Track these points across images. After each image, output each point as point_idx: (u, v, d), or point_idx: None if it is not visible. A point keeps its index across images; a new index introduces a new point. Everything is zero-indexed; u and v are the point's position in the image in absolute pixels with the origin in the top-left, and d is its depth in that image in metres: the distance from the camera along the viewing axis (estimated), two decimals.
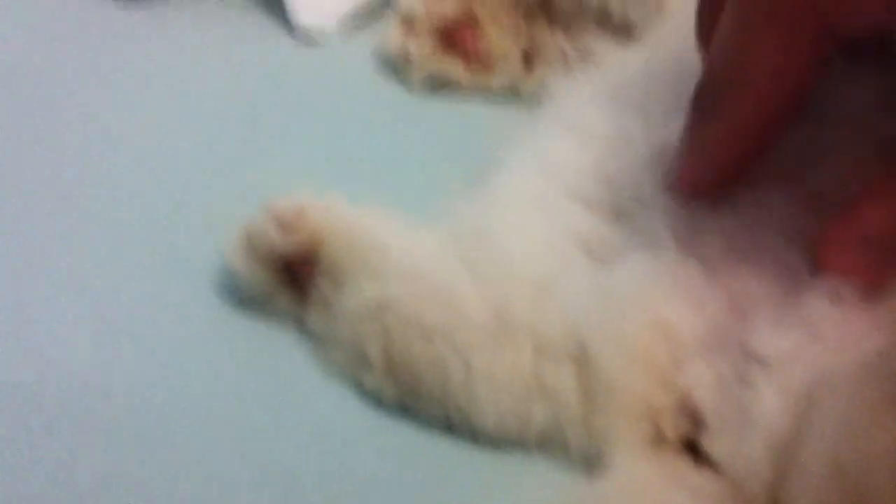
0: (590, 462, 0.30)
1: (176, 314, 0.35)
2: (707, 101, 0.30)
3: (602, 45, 0.46)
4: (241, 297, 0.35)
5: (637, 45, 0.42)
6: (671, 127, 0.34)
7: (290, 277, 0.33)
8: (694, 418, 0.30)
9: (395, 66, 0.47)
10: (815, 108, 0.31)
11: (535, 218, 0.34)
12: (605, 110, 0.37)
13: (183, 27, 0.50)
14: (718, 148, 0.30)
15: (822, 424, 0.26)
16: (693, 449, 0.30)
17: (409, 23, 0.46)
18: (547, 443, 0.31)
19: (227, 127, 0.44)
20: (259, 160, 0.42)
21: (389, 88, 0.47)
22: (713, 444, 0.29)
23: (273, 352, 0.34)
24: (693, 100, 0.31)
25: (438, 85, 0.47)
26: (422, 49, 0.46)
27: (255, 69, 0.48)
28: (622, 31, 0.45)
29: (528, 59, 0.47)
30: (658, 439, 0.30)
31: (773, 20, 0.27)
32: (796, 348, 0.29)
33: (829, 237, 0.29)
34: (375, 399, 0.32)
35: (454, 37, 0.46)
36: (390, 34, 0.47)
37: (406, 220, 0.34)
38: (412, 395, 0.31)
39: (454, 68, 0.46)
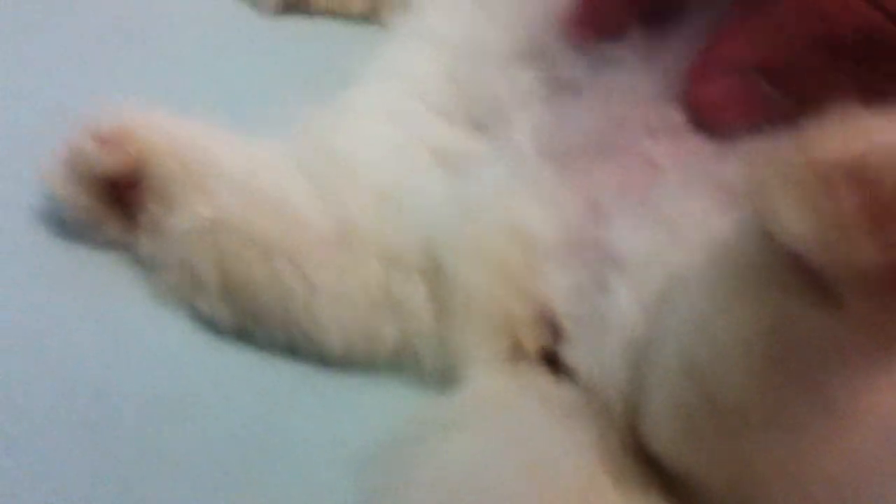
0: (444, 381, 0.28)
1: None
2: None
3: None
4: (66, 222, 0.31)
5: None
6: (529, 33, 0.33)
7: (116, 200, 0.30)
8: (553, 328, 0.28)
9: None
10: None
11: (386, 128, 0.32)
12: (461, 17, 0.35)
13: None
14: None
15: (674, 322, 0.25)
16: (552, 361, 0.28)
17: None
18: (398, 362, 0.29)
19: (66, 42, 0.41)
20: (100, 81, 0.39)
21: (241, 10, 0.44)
22: (571, 353, 0.28)
23: (99, 279, 0.31)
24: None
25: (291, 6, 0.44)
26: None
27: None
28: None
29: None
30: (516, 352, 0.28)
31: None
32: (653, 248, 0.27)
33: (695, 70, 0.29)
34: (211, 324, 0.29)
35: None
36: None
37: (244, 135, 0.32)
38: (251, 318, 0.29)
39: None
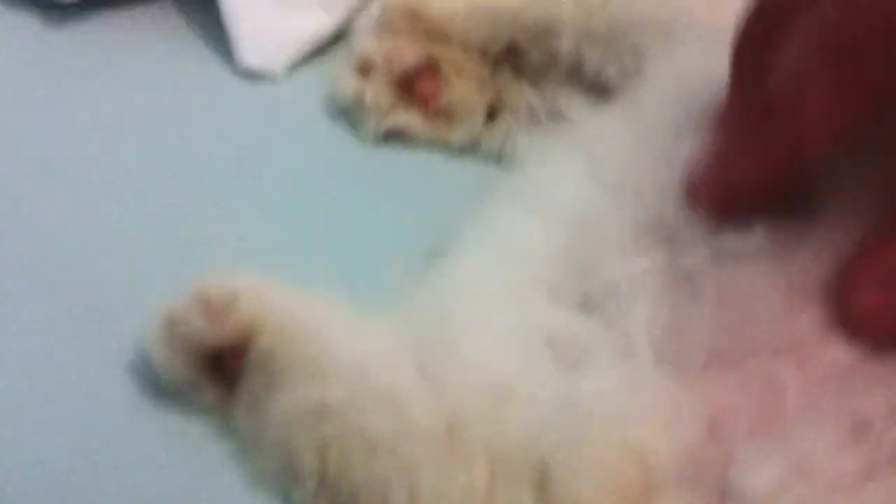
0: None
1: (88, 395, 0.31)
2: (756, 118, 0.28)
3: (574, 104, 0.43)
4: (161, 384, 0.31)
5: (612, 108, 0.39)
6: (648, 207, 0.32)
7: (217, 370, 0.30)
8: None
9: (349, 114, 0.43)
10: None
11: (496, 310, 0.31)
12: (576, 185, 0.33)
13: (126, 64, 0.46)
14: (754, 165, 0.28)
15: None
16: None
17: (365, 68, 0.42)
18: None
19: (165, 179, 0.40)
20: (199, 216, 0.39)
21: (339, 135, 0.43)
22: None
23: (191, 448, 0.30)
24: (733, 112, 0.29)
25: (393, 135, 0.43)
26: (379, 98, 0.42)
27: (199, 113, 0.44)
28: (596, 89, 0.42)
29: (493, 112, 0.43)
30: None
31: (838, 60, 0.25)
32: (780, 484, 0.26)
33: (851, 276, 0.27)
34: None
35: (413, 85, 0.42)
36: (344, 79, 0.43)
37: (353, 306, 0.31)
38: None
39: (412, 119, 0.43)
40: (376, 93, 0.42)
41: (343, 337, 0.29)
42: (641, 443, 0.27)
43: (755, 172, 0.29)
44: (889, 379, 0.26)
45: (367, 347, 0.29)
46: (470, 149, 0.43)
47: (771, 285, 0.29)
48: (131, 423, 0.31)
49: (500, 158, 0.43)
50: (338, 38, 0.47)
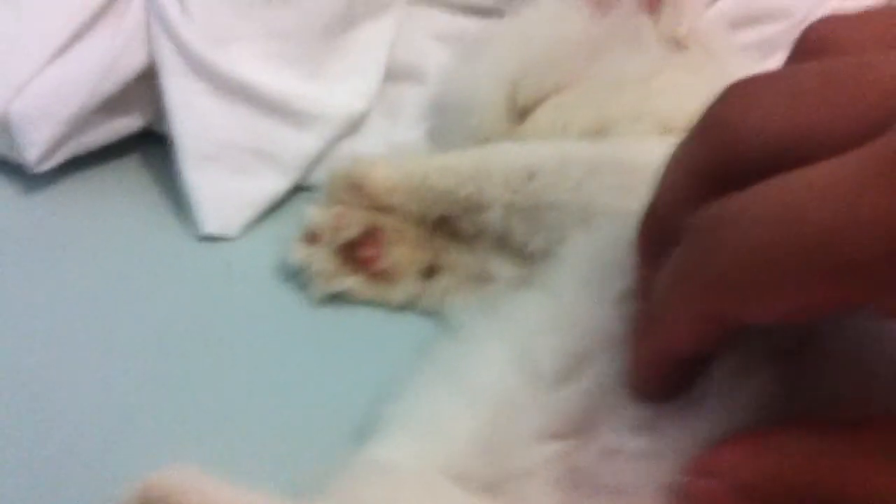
0: None
1: None
2: (642, 324, 0.32)
3: (504, 268, 0.47)
4: None
5: (534, 287, 0.43)
6: (562, 395, 0.35)
7: None
8: None
9: (298, 277, 0.47)
10: None
11: (410, 499, 0.34)
12: (497, 368, 0.37)
13: (77, 229, 0.50)
14: (637, 371, 0.32)
15: None
16: None
17: (311, 237, 0.46)
18: None
19: (112, 345, 0.44)
20: (145, 384, 0.42)
21: (289, 296, 0.47)
22: None
23: None
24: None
25: (339, 295, 0.47)
26: (324, 265, 0.46)
27: (153, 276, 0.47)
28: (525, 255, 0.46)
29: (431, 272, 0.48)
30: None
31: (693, 301, 0.28)
32: None
33: (691, 463, 0.30)
34: None
35: (356, 251, 0.47)
36: (293, 246, 0.47)
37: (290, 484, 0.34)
38: None
39: (356, 282, 0.47)
40: (322, 260, 0.46)
41: None
42: None
43: (647, 368, 0.33)
44: None
45: None
46: (410, 306, 0.48)
47: (653, 483, 0.33)
48: None
49: (438, 314, 0.47)
50: (291, 195, 0.52)
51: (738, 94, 0.28)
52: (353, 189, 0.47)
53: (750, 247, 0.25)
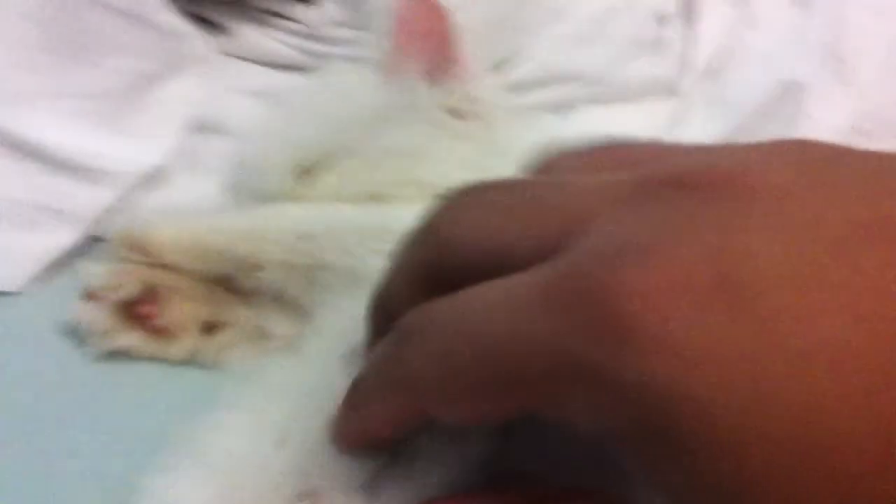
0: None
1: None
2: (347, 397, 0.33)
3: (279, 323, 0.49)
4: None
5: (286, 359, 0.44)
6: (301, 463, 0.38)
7: None
8: None
9: (75, 331, 0.48)
10: None
11: None
12: (233, 434, 0.39)
13: None
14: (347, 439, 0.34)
15: None
16: None
17: (91, 294, 0.48)
18: None
19: None
20: None
21: (68, 353, 0.48)
22: None
23: None
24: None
25: (120, 352, 0.49)
26: (100, 323, 0.47)
27: None
28: (299, 313, 0.49)
29: (210, 328, 0.50)
30: None
31: (388, 395, 0.30)
32: None
33: None
34: None
35: (135, 310, 0.48)
36: (70, 304, 0.48)
37: None
38: None
39: (133, 339, 0.48)
40: (100, 317, 0.48)
41: None
42: None
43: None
44: None
45: None
46: (189, 361, 0.49)
47: None
48: None
49: (217, 367, 0.49)
50: (89, 248, 0.53)
51: (452, 203, 0.30)
52: (135, 248, 0.49)
53: (433, 354, 0.28)
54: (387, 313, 0.33)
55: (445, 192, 0.31)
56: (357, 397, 0.33)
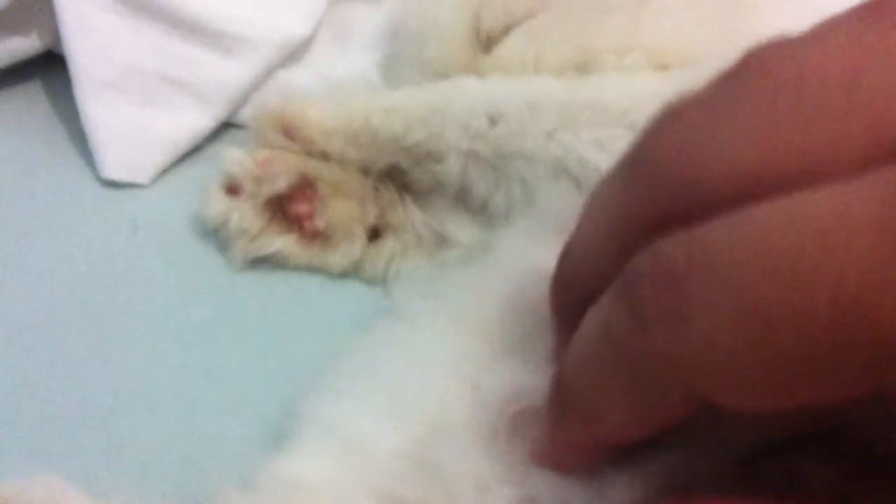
0: None
1: None
2: (556, 403, 0.25)
3: (461, 229, 0.40)
4: None
5: (481, 270, 0.36)
6: (496, 412, 0.29)
7: None
8: None
9: (217, 236, 0.40)
10: None
11: None
12: (431, 377, 0.31)
13: None
14: (561, 450, 0.26)
15: None
16: None
17: (233, 187, 0.39)
18: None
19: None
20: (43, 347, 0.36)
21: (206, 256, 0.40)
22: None
23: None
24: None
25: (266, 259, 0.40)
26: (247, 222, 0.39)
27: (53, 229, 0.40)
28: (484, 214, 0.39)
29: (375, 233, 0.41)
30: None
31: (635, 382, 0.21)
32: None
33: None
34: None
35: (287, 207, 0.39)
36: (210, 198, 0.39)
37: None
38: None
39: (285, 244, 0.39)
40: (244, 217, 0.39)
41: None
42: None
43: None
44: None
45: None
46: (350, 272, 0.41)
47: None
48: None
49: (383, 282, 0.40)
50: (216, 135, 0.44)
51: (681, 123, 0.21)
52: (284, 131, 0.39)
53: (728, 308, 0.18)
54: (577, 293, 0.24)
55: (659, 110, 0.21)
56: (574, 400, 0.24)
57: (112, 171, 0.41)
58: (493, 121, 0.38)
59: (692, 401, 0.20)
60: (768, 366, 0.18)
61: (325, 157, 0.40)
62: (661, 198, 0.21)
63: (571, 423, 0.24)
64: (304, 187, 0.39)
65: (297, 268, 0.40)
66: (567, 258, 0.25)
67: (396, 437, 0.30)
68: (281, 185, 0.39)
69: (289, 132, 0.39)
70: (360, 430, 0.30)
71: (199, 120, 0.43)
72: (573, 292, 0.24)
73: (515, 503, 0.27)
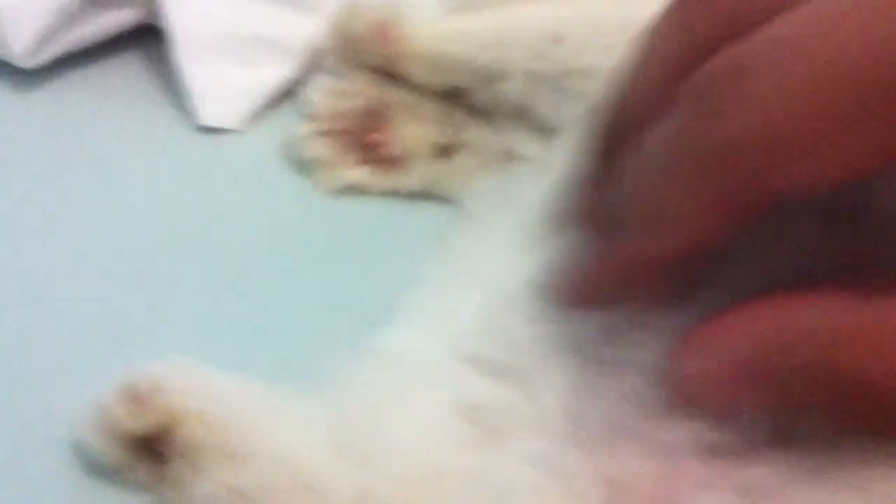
0: None
1: (24, 473, 0.32)
2: (608, 220, 0.27)
3: (526, 146, 0.43)
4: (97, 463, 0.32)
5: (558, 160, 0.38)
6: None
7: (149, 454, 0.31)
8: None
9: (302, 167, 0.44)
10: None
11: (422, 387, 0.31)
12: (516, 252, 0.34)
13: (76, 127, 0.46)
14: (605, 274, 0.27)
15: None
16: None
17: (313, 122, 0.43)
18: None
19: (113, 244, 0.41)
20: (149, 278, 0.40)
21: (296, 189, 0.44)
22: None
23: None
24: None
25: (347, 187, 0.44)
26: (327, 153, 0.43)
27: (150, 170, 0.44)
28: (547, 130, 0.42)
29: (447, 152, 0.44)
30: None
31: (705, 180, 0.23)
32: None
33: (681, 343, 0.26)
34: None
35: (363, 139, 0.43)
36: (295, 134, 0.43)
37: (283, 388, 0.31)
38: None
39: (364, 174, 0.43)
40: (324, 151, 0.43)
41: (266, 421, 0.30)
42: None
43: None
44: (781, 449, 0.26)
45: (292, 433, 0.30)
46: (428, 193, 0.44)
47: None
48: (72, 500, 0.32)
49: (459, 199, 0.43)
50: (300, 83, 0.48)
51: None
52: (374, 40, 0.42)
53: (784, 87, 0.20)
54: (619, 132, 0.26)
55: None
56: (636, 215, 0.25)
57: (208, 118, 0.45)
58: (556, 40, 0.40)
59: (760, 197, 0.22)
60: (839, 123, 0.20)
61: (396, 78, 0.43)
62: (719, 13, 0.23)
63: (630, 239, 0.25)
64: (379, 116, 0.43)
65: (377, 194, 0.44)
66: (618, 90, 0.27)
67: (475, 309, 0.33)
68: (358, 113, 0.42)
69: (379, 42, 0.42)
70: (445, 305, 0.33)
71: (283, 72, 0.47)
72: (620, 121, 0.27)
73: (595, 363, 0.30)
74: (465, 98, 0.43)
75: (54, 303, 0.38)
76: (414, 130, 0.43)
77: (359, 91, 0.43)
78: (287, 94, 0.47)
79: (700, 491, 0.26)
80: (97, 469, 0.32)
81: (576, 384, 0.29)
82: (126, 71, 0.49)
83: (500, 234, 0.35)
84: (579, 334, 0.30)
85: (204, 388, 0.31)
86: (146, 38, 0.49)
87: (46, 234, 0.41)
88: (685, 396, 0.26)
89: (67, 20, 0.46)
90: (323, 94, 0.43)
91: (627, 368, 0.29)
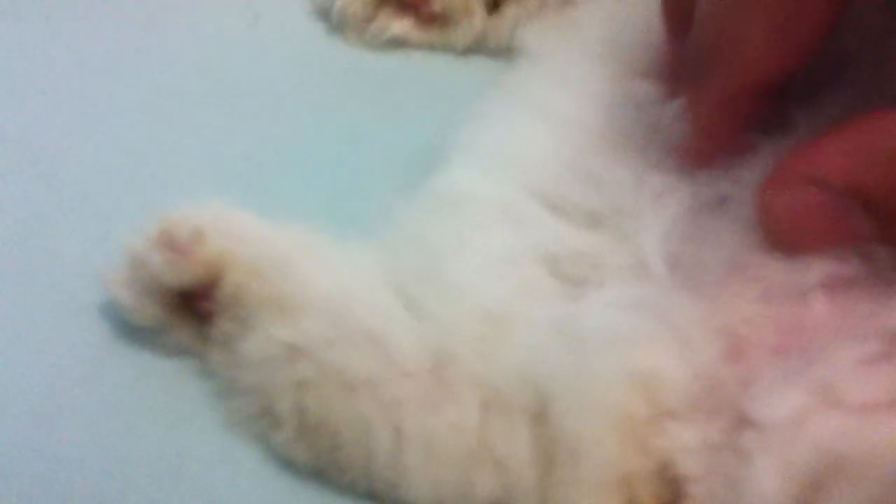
0: None
1: (56, 337, 0.29)
2: (694, 70, 0.26)
3: None
4: (131, 324, 0.28)
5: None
6: (664, 111, 0.28)
7: (188, 309, 0.27)
8: (675, 489, 0.24)
9: (335, 24, 0.40)
10: None
11: (492, 229, 0.28)
12: (583, 90, 0.30)
13: None
14: (709, 118, 0.26)
15: None
16: None
17: None
18: None
19: (143, 100, 0.38)
20: (186, 130, 0.37)
21: (330, 44, 0.40)
22: None
23: (166, 389, 0.28)
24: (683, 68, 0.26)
25: (387, 43, 0.40)
26: (357, 6, 0.39)
27: (180, 28, 0.41)
28: None
29: (495, 4, 0.40)
30: None
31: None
32: (803, 413, 0.23)
33: (771, 175, 0.24)
34: (287, 461, 0.26)
35: None
36: None
37: (342, 228, 0.28)
38: (330, 461, 0.25)
39: (405, 27, 0.39)
40: (357, 3, 0.39)
41: (320, 269, 0.27)
42: (650, 369, 0.24)
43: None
44: None
45: (347, 280, 0.27)
46: (475, 47, 0.40)
47: None
48: (102, 366, 0.28)
49: (508, 53, 0.40)
50: None
51: None
52: None
53: None
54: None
55: None
56: (716, 50, 0.24)
57: None
58: None
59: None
60: None
61: None
62: None
63: (716, 75, 0.25)
64: None
65: (420, 48, 0.40)
66: None
67: (552, 147, 0.29)
68: None
69: None
70: (515, 144, 0.30)
71: None
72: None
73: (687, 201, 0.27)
74: None
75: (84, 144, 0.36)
76: None
77: None
78: None
79: (837, 339, 0.23)
80: (128, 331, 0.28)
81: (678, 226, 0.26)
82: None
83: (565, 71, 0.31)
84: (680, 175, 0.27)
85: (250, 233, 0.27)
86: None
87: (76, 78, 0.39)
88: (778, 234, 0.24)
89: None
90: None
91: (738, 206, 0.25)
